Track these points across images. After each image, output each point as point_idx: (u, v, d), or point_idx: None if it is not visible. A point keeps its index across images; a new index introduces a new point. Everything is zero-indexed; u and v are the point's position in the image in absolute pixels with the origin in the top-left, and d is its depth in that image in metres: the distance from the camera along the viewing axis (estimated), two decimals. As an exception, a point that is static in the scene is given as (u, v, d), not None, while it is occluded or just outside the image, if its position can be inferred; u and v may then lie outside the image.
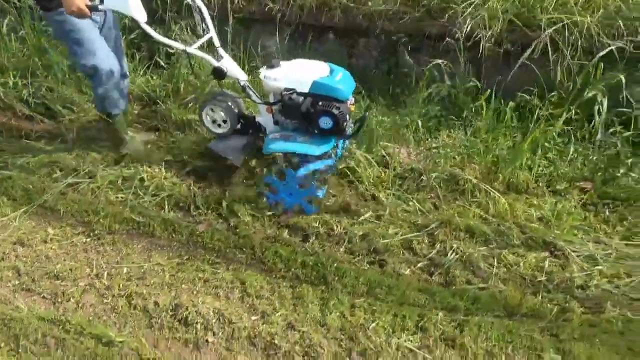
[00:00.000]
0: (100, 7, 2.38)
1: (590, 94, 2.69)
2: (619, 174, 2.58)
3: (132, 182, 2.74)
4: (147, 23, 2.41)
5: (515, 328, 1.96)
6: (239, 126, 2.70)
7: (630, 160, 2.59)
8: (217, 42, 2.58)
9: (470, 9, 2.92)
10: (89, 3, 2.35)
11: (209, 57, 2.50)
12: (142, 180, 2.76)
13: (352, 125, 2.59)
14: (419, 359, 1.84)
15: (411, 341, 1.91)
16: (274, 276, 2.23)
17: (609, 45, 2.60)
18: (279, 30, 3.47)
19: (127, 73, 3.03)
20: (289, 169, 2.45)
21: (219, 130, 2.71)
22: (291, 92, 2.39)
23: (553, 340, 1.92)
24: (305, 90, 2.39)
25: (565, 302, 2.07)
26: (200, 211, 2.57)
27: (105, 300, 2.13)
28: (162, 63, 3.64)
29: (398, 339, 1.90)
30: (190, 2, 2.62)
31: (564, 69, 2.77)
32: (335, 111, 2.35)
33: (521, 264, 2.23)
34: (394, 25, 3.20)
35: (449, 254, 2.28)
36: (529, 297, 2.10)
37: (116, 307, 2.08)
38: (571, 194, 2.59)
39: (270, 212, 2.52)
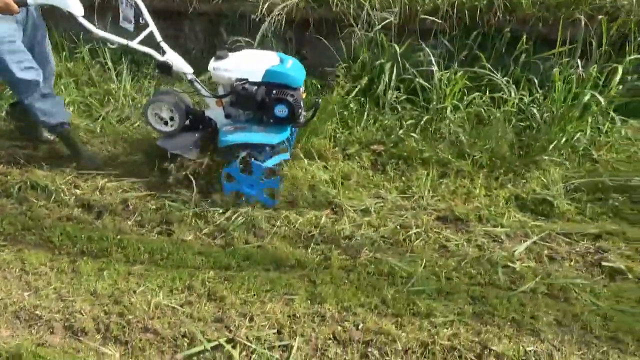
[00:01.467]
0: (30, 1, 2.23)
1: (378, 63, 2.93)
2: (402, 135, 2.83)
3: None
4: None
5: (278, 278, 2.13)
6: (187, 122, 2.62)
7: (409, 122, 2.85)
8: (158, 37, 2.50)
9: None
10: None
11: (153, 52, 2.43)
12: None
13: (305, 113, 2.57)
14: (178, 314, 1.96)
15: (176, 300, 2.02)
16: (57, 253, 2.27)
17: (384, 20, 2.84)
18: (99, 17, 3.46)
19: (53, 70, 2.85)
20: (255, 160, 2.40)
21: (167, 128, 2.61)
22: (244, 82, 2.36)
23: (310, 285, 2.11)
24: (258, 79, 2.38)
25: (330, 251, 2.27)
26: (-5, 197, 2.55)
27: None
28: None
29: (161, 298, 2.01)
30: None
31: (357, 42, 2.99)
32: (290, 99, 2.35)
33: (299, 222, 2.41)
34: (209, 6, 3.29)
35: (234, 219, 2.42)
36: (298, 250, 2.29)
37: None
38: (361, 156, 2.81)
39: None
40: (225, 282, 2.10)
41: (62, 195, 2.55)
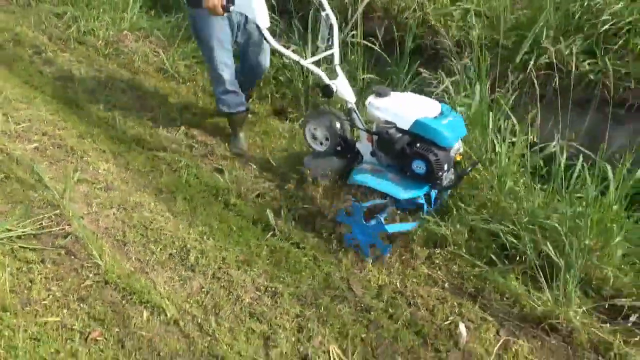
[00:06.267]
0: (231, 8, 2.46)
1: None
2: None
3: None
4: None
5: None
6: (338, 148, 2.65)
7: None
8: (337, 60, 2.57)
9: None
10: (225, 3, 2.44)
11: (321, 73, 2.48)
12: None
13: (452, 176, 2.39)
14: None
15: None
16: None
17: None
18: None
19: (258, 76, 3.16)
20: (356, 202, 2.31)
21: (318, 147, 2.69)
22: (391, 126, 2.30)
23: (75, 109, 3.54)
24: (406, 127, 2.28)
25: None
26: None
27: None
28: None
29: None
30: (324, 16, 2.62)
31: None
32: (432, 157, 2.21)
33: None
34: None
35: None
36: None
37: None
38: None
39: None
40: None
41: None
